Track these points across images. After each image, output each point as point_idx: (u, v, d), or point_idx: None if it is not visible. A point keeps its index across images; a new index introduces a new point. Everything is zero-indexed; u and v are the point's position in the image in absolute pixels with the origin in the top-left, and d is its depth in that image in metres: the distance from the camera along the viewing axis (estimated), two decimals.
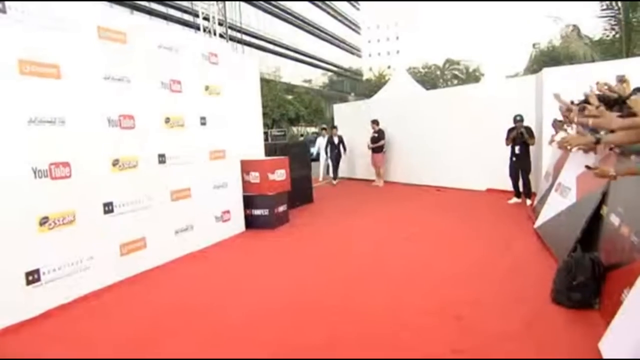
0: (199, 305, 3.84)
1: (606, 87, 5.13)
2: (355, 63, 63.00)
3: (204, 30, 13.67)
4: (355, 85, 58.90)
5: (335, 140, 12.17)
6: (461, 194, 9.19)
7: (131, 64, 4.75)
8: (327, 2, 52.31)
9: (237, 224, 6.62)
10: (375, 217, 7.47)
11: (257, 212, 6.87)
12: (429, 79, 49.39)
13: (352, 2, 61.02)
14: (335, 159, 12.20)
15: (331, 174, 12.55)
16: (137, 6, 26.15)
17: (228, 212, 6.39)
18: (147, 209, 4.92)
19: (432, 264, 4.69)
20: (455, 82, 50.26)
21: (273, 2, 40.24)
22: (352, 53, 61.60)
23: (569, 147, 4.81)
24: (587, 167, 3.24)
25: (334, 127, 12.53)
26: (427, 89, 21.22)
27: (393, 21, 76.40)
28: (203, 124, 5.92)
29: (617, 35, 12.67)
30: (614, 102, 4.01)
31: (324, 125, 15.57)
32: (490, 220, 6.58)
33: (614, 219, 3.46)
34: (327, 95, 46.20)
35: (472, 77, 49.13)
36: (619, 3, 12.14)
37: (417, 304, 3.61)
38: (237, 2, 14.75)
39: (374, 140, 11.31)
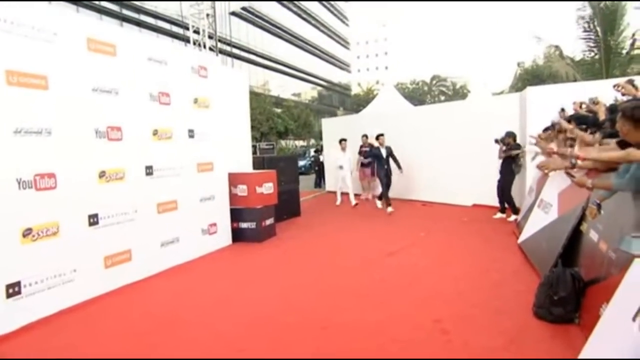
0: (184, 318, 3.80)
1: (584, 106, 5.34)
2: (344, 78, 63.60)
3: (194, 43, 13.74)
4: (344, 100, 59.40)
5: (383, 152, 9.18)
6: (447, 209, 9.28)
7: (120, 76, 4.77)
8: (318, 18, 52.95)
9: (224, 237, 6.59)
10: (362, 231, 7.50)
11: (244, 225, 6.85)
12: (417, 94, 50.16)
13: (342, 17, 61.87)
14: (386, 175, 9.18)
15: (339, 196, 10.83)
16: (127, 18, 26.16)
17: (215, 225, 6.37)
18: (133, 221, 4.89)
19: (419, 279, 4.72)
20: (443, 98, 51.11)
21: (264, 17, 40.60)
22: (342, 68, 62.21)
23: (546, 171, 4.95)
24: (567, 173, 3.35)
25: (380, 135, 9.26)
26: (415, 104, 21.52)
27: (382, 37, 77.56)
28: (191, 136, 5.93)
29: (597, 57, 13.09)
30: (591, 122, 4.16)
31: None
32: (475, 235, 6.65)
33: (593, 235, 3.54)
34: (316, 109, 46.48)
35: (459, 93, 49.94)
36: (598, 26, 12.58)
37: (404, 319, 3.63)
38: (228, 16, 14.89)
39: (363, 155, 11.34)
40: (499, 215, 7.93)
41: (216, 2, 13.91)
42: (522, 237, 5.76)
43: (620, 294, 2.51)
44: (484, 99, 14.51)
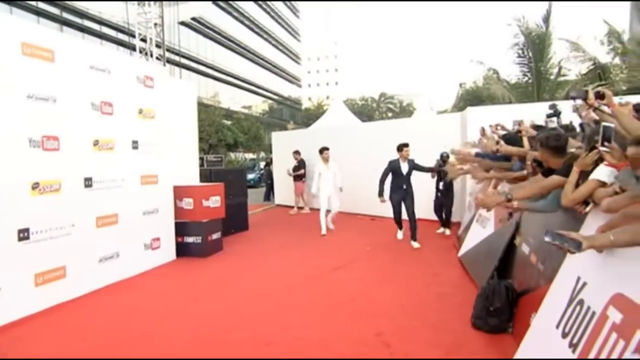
0: (121, 337, 3.63)
1: (499, 127, 5.85)
2: (295, 92, 64.05)
3: (141, 52, 13.36)
4: (295, 114, 59.73)
5: (404, 168, 7.09)
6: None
7: (58, 83, 4.55)
8: (270, 32, 53.20)
9: (168, 251, 6.38)
10: (309, 245, 7.53)
11: (189, 239, 6.67)
12: (366, 110, 51.46)
13: (294, 33, 62.57)
14: (408, 194, 7.14)
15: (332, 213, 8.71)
16: (68, 22, 24.94)
17: (158, 239, 6.16)
18: (68, 236, 4.63)
19: (363, 294, 4.79)
20: (390, 115, 52.75)
21: (215, 28, 40.21)
22: (292, 82, 62.64)
23: (485, 209, 5.22)
24: (495, 188, 3.57)
25: (405, 146, 7.15)
26: (364, 120, 22.07)
27: (332, 54, 79.13)
28: (135, 147, 5.73)
29: (530, 81, 14.13)
30: (519, 144, 4.52)
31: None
32: (418, 249, 6.86)
33: (525, 248, 3.79)
34: (266, 123, 46.37)
35: (405, 111, 51.75)
36: (530, 53, 13.62)
37: (348, 334, 3.67)
38: (177, 26, 14.62)
39: (295, 169, 11.85)
40: (441, 229, 8.25)
41: (165, 12, 13.64)
42: (462, 250, 6.03)
43: (546, 303, 2.70)
44: (428, 116, 15.20)
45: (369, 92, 58.01)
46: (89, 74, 5.00)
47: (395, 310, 4.19)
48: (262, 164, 22.07)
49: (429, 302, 4.40)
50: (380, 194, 7.14)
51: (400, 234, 7.55)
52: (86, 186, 4.93)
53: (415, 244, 6.96)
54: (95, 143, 5.08)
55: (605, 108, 2.71)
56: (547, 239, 2.02)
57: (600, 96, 2.70)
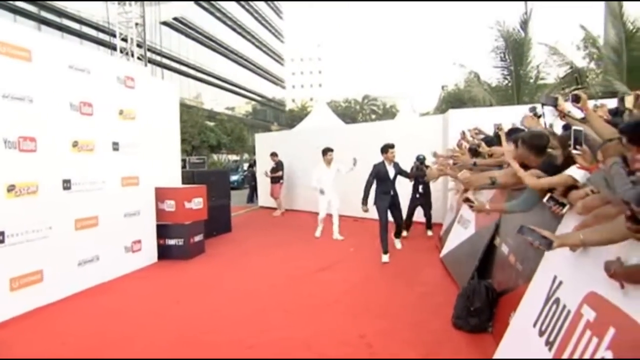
0: (101, 340, 3.57)
1: (477, 131, 5.99)
2: (279, 93, 63.95)
3: (121, 52, 13.17)
4: (279, 115, 59.63)
5: (390, 172, 6.44)
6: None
7: (35, 83, 4.45)
8: (253, 33, 53.01)
9: (149, 254, 6.30)
10: (293, 247, 7.52)
11: (171, 241, 6.60)
12: (349, 112, 51.65)
13: (277, 34, 62.48)
14: (395, 201, 6.48)
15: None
16: (46, 21, 24.40)
17: (139, 242, 6.07)
18: (46, 239, 4.52)
19: (346, 295, 4.81)
20: (374, 117, 53.09)
21: (197, 29, 39.88)
22: (276, 84, 62.52)
23: (472, 188, 5.30)
24: (467, 199, 3.66)
25: (390, 147, 6.47)
26: (347, 122, 22.16)
27: (316, 56, 79.28)
28: (115, 149, 5.65)
29: (510, 84, 14.41)
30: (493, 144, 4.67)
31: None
32: (401, 250, 6.91)
33: (505, 249, 3.86)
34: (250, 124, 46.18)
35: (389, 113, 52.13)
36: (510, 56, 13.89)
37: (331, 335, 3.68)
38: (159, 26, 14.45)
39: (273, 170, 11.81)
40: (405, 233, 8.15)
41: (146, 12, 13.47)
42: (444, 251, 6.10)
43: (524, 303, 2.75)
44: (411, 119, 15.35)
45: (353, 94, 58.31)
46: (68, 73, 4.91)
47: (378, 311, 4.22)
48: (246, 166, 21.96)
49: (411, 303, 4.44)
50: (365, 201, 6.34)
51: (386, 258, 6.15)
52: (65, 188, 4.84)
53: (398, 244, 6.77)
54: (75, 144, 4.99)
55: (575, 114, 2.80)
56: (520, 234, 2.09)
57: (576, 99, 2.78)
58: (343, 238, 7.92)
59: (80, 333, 3.80)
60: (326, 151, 8.12)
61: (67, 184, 4.86)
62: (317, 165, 8.28)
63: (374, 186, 6.46)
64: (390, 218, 6.48)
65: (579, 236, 2.04)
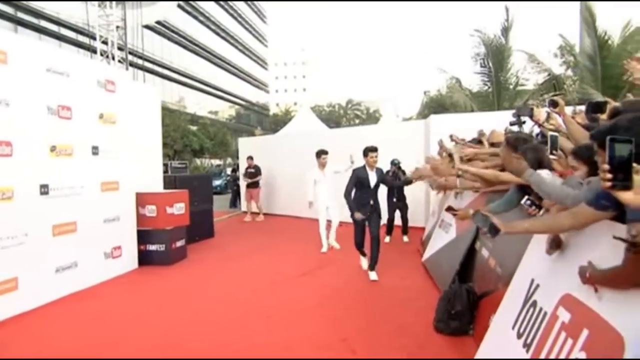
0: (77, 349, 3.49)
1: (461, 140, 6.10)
2: (262, 98, 63.84)
3: (102, 55, 12.98)
4: (262, 120, 59.47)
5: (372, 178, 5.65)
6: None
7: (11, 86, 4.35)
8: (236, 37, 52.86)
9: (129, 260, 6.20)
10: (276, 251, 7.49)
11: (152, 247, 6.51)
12: (333, 117, 51.81)
13: (261, 38, 62.42)
14: (375, 211, 5.67)
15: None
16: (23, 22, 23.89)
17: (119, 247, 5.98)
18: (21, 245, 4.42)
19: (329, 299, 4.81)
20: (357, 121, 53.32)
21: (180, 32, 39.60)
22: (260, 88, 62.41)
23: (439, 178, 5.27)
24: (449, 207, 3.70)
25: (371, 150, 5.72)
26: (331, 127, 22.23)
27: (300, 61, 79.44)
28: (95, 153, 5.56)
29: (490, 90, 14.67)
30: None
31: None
32: (382, 254, 6.92)
33: (485, 253, 3.92)
34: (233, 128, 45.94)
35: (372, 117, 52.45)
36: (490, 63, 14.15)
37: (313, 339, 3.68)
38: (141, 29, 14.28)
39: (251, 175, 11.72)
40: (387, 239, 8.17)
41: (128, 14, 13.31)
42: (426, 255, 6.16)
43: (504, 305, 2.80)
44: (394, 123, 15.48)
45: (337, 98, 58.53)
46: (46, 76, 4.82)
47: (360, 315, 4.23)
48: (229, 170, 21.81)
49: (393, 307, 4.46)
50: (355, 209, 5.47)
51: (364, 262, 5.87)
52: (42, 193, 4.73)
53: (373, 275, 5.48)
54: (53, 148, 4.89)
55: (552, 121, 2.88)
56: (473, 221, 2.19)
57: (553, 104, 2.86)
58: (340, 247, 7.37)
59: (57, 342, 3.71)
60: (320, 154, 7.43)
61: (44, 189, 4.76)
62: (310, 171, 7.65)
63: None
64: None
65: (524, 225, 2.20)
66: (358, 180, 5.59)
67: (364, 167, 5.70)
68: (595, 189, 1.70)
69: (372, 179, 5.62)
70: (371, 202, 5.59)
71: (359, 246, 5.81)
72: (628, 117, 1.67)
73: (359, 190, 5.60)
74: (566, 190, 2.13)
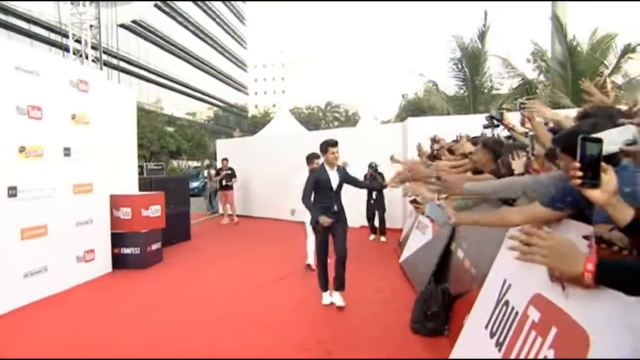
0: (46, 356, 3.39)
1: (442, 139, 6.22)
2: (241, 99, 63.41)
3: (75, 54, 12.66)
4: (241, 121, 59.06)
5: (333, 179, 4.73)
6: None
7: None
8: (215, 39, 52.39)
9: (103, 264, 6.06)
10: (254, 254, 7.44)
11: (127, 250, 6.38)
12: (312, 119, 51.88)
13: (240, 40, 62.05)
14: (339, 220, 4.69)
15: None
16: None
17: (92, 251, 5.84)
18: None
19: (306, 302, 4.79)
20: (336, 124, 53.53)
21: (157, 32, 39.01)
22: (239, 90, 61.96)
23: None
24: (414, 200, 3.77)
25: (331, 145, 4.89)
26: (310, 129, 22.21)
27: (279, 62, 79.29)
28: (67, 154, 5.42)
29: (466, 94, 14.93)
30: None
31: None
32: (361, 256, 6.90)
33: (460, 254, 3.98)
34: (211, 130, 45.49)
35: (351, 120, 52.71)
36: (466, 67, 14.41)
37: (291, 341, 3.67)
38: (116, 28, 13.96)
39: (228, 177, 11.56)
40: (372, 237, 8.41)
41: (102, 13, 13.02)
42: (403, 256, 6.21)
43: (477, 305, 2.85)
44: (372, 126, 15.60)
45: (316, 100, 58.65)
46: (15, 75, 4.67)
47: (337, 317, 4.24)
48: (207, 172, 21.56)
49: (370, 308, 4.49)
50: (317, 215, 4.50)
51: (326, 298, 4.66)
52: (10, 196, 4.58)
53: (339, 300, 4.50)
54: (22, 149, 4.74)
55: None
56: (426, 212, 2.30)
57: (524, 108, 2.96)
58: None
59: (26, 349, 3.60)
60: (311, 158, 6.09)
61: (12, 192, 4.61)
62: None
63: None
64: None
65: (473, 217, 2.48)
66: (316, 182, 4.63)
67: (322, 166, 4.82)
68: (551, 193, 1.89)
69: (334, 179, 4.68)
70: (334, 207, 4.61)
71: (323, 268, 4.69)
72: (591, 122, 1.73)
73: (319, 194, 4.65)
74: (502, 183, 2.43)
